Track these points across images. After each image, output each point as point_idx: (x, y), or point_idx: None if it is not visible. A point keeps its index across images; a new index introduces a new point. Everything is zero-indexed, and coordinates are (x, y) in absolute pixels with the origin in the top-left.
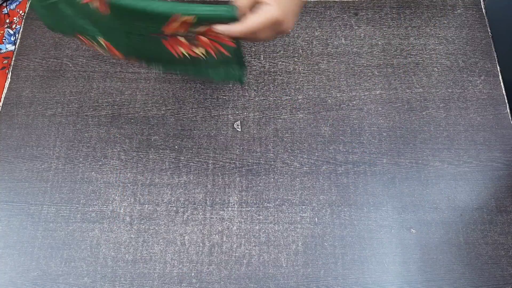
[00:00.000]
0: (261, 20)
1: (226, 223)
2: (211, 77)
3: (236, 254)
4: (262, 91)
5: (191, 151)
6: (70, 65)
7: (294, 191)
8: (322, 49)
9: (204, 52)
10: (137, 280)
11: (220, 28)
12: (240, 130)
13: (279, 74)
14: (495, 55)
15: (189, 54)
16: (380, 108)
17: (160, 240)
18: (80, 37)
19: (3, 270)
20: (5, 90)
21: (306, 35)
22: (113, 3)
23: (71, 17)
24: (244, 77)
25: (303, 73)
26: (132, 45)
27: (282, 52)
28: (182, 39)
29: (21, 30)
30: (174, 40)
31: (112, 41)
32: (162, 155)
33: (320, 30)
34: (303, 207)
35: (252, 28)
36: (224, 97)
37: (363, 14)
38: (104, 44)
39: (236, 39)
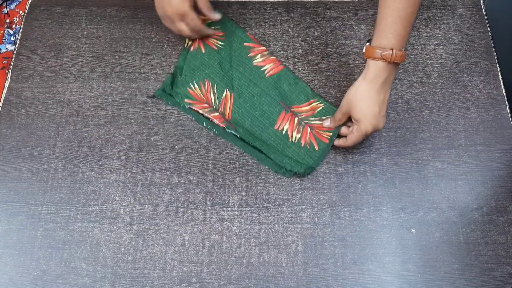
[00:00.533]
0: (359, 136)
1: (226, 223)
2: (280, 162)
3: (236, 254)
4: None
5: (191, 151)
6: (70, 65)
7: (294, 191)
8: (322, 49)
9: (297, 139)
10: (137, 280)
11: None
12: None
13: None
14: (495, 55)
15: (286, 135)
16: None
17: (160, 240)
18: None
19: (3, 270)
20: (5, 90)
21: (306, 35)
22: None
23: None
24: (308, 172)
25: (303, 73)
26: (249, 104)
27: (282, 52)
28: (296, 119)
29: (21, 30)
30: (291, 116)
31: (237, 94)
32: (162, 155)
33: (320, 30)
34: (303, 207)
35: (352, 143)
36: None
37: (363, 14)
38: (223, 97)
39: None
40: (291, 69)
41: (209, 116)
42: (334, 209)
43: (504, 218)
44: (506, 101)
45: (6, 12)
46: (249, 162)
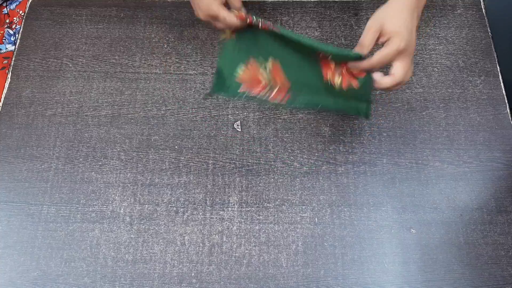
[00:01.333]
0: (390, 52)
1: (226, 223)
2: (344, 109)
3: (236, 254)
4: None
5: (191, 151)
6: (70, 65)
7: (294, 191)
8: None
9: (339, 83)
10: (137, 280)
11: (355, 65)
12: (240, 130)
13: None
14: (495, 55)
15: (330, 83)
16: (380, 108)
17: (160, 240)
18: (250, 69)
19: (3, 270)
20: (5, 90)
21: (306, 35)
22: (277, 33)
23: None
24: (370, 112)
25: None
26: (295, 64)
27: None
28: (332, 64)
29: (21, 30)
30: (327, 63)
31: (280, 59)
32: (162, 155)
33: (320, 30)
34: (303, 207)
35: (377, 61)
36: (224, 97)
37: (363, 14)
38: (271, 67)
39: (368, 71)
40: None
41: (269, 98)
42: (334, 209)
43: (504, 218)
44: (506, 101)
45: (6, 12)
46: (249, 162)
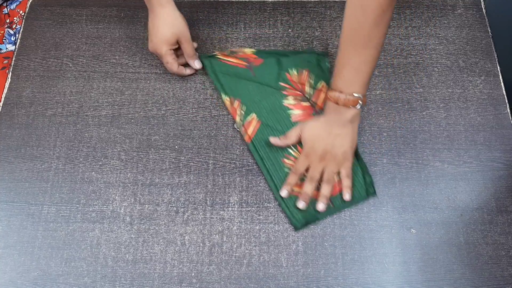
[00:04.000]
0: (302, 155)
1: (226, 223)
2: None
3: (236, 254)
4: None
5: (191, 151)
6: (70, 65)
7: None
8: (323, 49)
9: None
10: (137, 280)
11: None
12: (240, 130)
13: None
14: (495, 55)
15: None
16: (380, 108)
17: (160, 240)
18: None
19: (3, 270)
20: (5, 90)
21: (306, 35)
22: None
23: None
24: (372, 189)
25: None
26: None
27: None
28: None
29: (21, 30)
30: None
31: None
32: (162, 155)
33: (320, 30)
34: None
35: (296, 165)
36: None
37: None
38: (249, 119)
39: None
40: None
41: (239, 126)
42: None
43: (505, 218)
44: (507, 101)
45: (6, 12)
46: (250, 162)
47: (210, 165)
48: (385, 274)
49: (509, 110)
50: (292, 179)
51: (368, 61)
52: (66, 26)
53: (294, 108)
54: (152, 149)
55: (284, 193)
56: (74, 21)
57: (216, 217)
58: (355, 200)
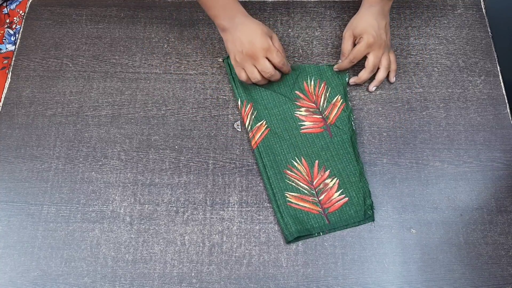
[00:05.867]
0: (359, 47)
1: (226, 223)
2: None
3: (236, 254)
4: None
5: (191, 151)
6: (70, 65)
7: None
8: (322, 49)
9: (298, 206)
10: (137, 280)
11: (338, 66)
12: (240, 130)
13: None
14: (495, 55)
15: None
16: (380, 108)
17: (160, 240)
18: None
19: (3, 270)
20: (5, 90)
21: (306, 35)
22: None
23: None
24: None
25: None
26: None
27: None
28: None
29: (21, 30)
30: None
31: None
32: (162, 155)
33: (320, 30)
34: None
35: (354, 56)
36: (224, 97)
37: None
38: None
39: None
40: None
41: (248, 129)
42: None
43: (504, 218)
44: (506, 101)
45: (6, 12)
46: (249, 162)
47: (210, 165)
48: (385, 274)
49: (509, 110)
50: (346, 64)
51: None
52: (66, 26)
53: (305, 119)
54: (152, 149)
55: (340, 66)
56: (74, 21)
57: (216, 217)
58: (352, 220)
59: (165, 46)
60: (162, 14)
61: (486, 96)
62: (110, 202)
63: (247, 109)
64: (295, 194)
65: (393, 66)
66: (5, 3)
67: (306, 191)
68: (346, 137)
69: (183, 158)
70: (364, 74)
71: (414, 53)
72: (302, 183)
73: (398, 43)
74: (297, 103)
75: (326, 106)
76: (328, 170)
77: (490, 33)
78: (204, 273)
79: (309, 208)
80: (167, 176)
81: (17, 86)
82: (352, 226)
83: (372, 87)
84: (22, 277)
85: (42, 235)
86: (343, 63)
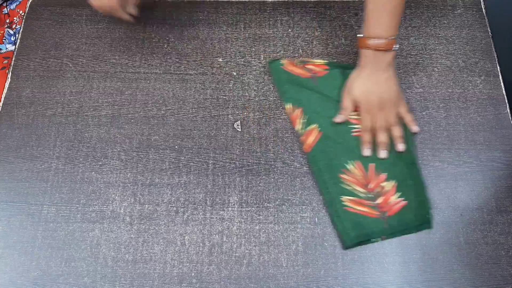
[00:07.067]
0: (363, 114)
1: (226, 223)
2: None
3: (236, 254)
4: (262, 91)
5: (191, 151)
6: (70, 65)
7: (294, 191)
8: (322, 49)
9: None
10: (137, 280)
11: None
12: (240, 130)
13: None
14: (495, 55)
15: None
16: None
17: (160, 240)
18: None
19: (3, 270)
20: (5, 90)
21: (306, 35)
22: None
23: None
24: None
25: None
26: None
27: (282, 52)
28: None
29: (21, 30)
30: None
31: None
32: (162, 155)
33: (320, 30)
34: (303, 207)
35: (364, 126)
36: (224, 97)
37: (363, 14)
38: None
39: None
40: None
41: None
42: None
43: (504, 218)
44: (506, 101)
45: (6, 12)
46: (249, 162)
47: (210, 165)
48: (385, 274)
49: (509, 110)
50: (366, 136)
51: (400, 3)
52: (66, 26)
53: (357, 122)
54: (152, 149)
55: (367, 152)
56: (74, 21)
57: (216, 217)
58: (412, 223)
59: (165, 46)
60: (162, 14)
61: (486, 96)
62: (110, 202)
63: (296, 114)
64: (352, 198)
65: (408, 117)
66: (5, 3)
67: (363, 195)
68: None
69: (183, 158)
70: (380, 137)
71: (414, 53)
72: (359, 187)
73: (398, 43)
74: None
75: None
76: (385, 174)
77: (490, 33)
78: (204, 273)
79: (367, 212)
80: (167, 176)
81: (17, 86)
82: (411, 232)
83: (399, 147)
84: (22, 277)
85: (42, 235)
86: (364, 136)
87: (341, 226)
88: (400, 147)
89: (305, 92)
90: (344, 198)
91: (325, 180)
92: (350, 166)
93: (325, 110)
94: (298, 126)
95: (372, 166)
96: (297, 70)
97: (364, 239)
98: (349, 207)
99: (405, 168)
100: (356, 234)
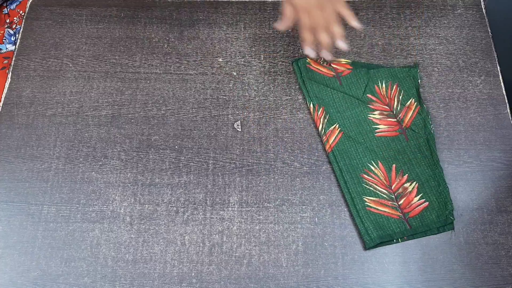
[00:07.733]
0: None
1: (226, 223)
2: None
3: (236, 254)
4: (262, 91)
5: (191, 151)
6: (70, 65)
7: (294, 191)
8: None
9: (377, 211)
10: (137, 280)
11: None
12: (240, 130)
13: (279, 74)
14: (495, 55)
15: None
16: None
17: (160, 240)
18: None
19: (3, 270)
20: (5, 90)
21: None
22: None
23: None
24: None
25: None
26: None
27: (282, 52)
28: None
29: (21, 30)
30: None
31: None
32: (162, 155)
33: None
34: (303, 207)
35: (286, 19)
36: (224, 97)
37: (363, 14)
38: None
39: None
40: (291, 69)
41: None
42: (334, 209)
43: (505, 218)
44: (507, 101)
45: (6, 12)
46: (249, 162)
47: (210, 165)
48: (385, 274)
49: (509, 110)
50: (307, 35)
51: None
52: (66, 26)
53: (380, 123)
54: (152, 149)
55: (309, 51)
56: (74, 21)
57: (216, 217)
58: (434, 225)
59: (165, 46)
60: (162, 14)
61: (486, 96)
62: (110, 202)
63: (319, 113)
64: (374, 199)
65: (346, 12)
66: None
67: (385, 196)
68: (422, 140)
69: (183, 158)
70: (320, 36)
71: (414, 53)
72: (380, 187)
73: (398, 43)
74: (370, 106)
75: (400, 109)
76: (406, 174)
77: (490, 33)
78: (204, 273)
79: (389, 213)
80: (167, 176)
81: (17, 86)
82: (433, 234)
83: (340, 44)
84: (22, 277)
85: (42, 235)
86: (303, 35)
87: (363, 227)
88: (340, 44)
89: (328, 91)
90: (366, 198)
91: (346, 180)
92: (372, 167)
93: (348, 109)
94: (320, 126)
95: (394, 166)
96: (322, 69)
97: (385, 240)
98: (371, 207)
99: (428, 169)
100: (378, 234)
